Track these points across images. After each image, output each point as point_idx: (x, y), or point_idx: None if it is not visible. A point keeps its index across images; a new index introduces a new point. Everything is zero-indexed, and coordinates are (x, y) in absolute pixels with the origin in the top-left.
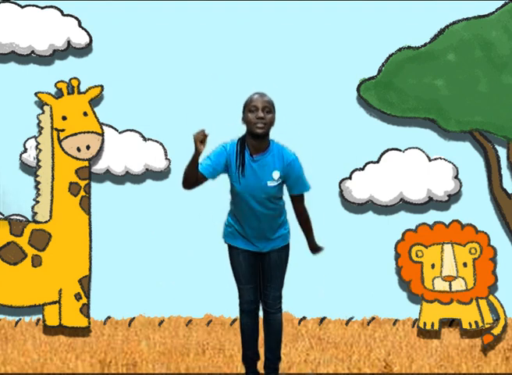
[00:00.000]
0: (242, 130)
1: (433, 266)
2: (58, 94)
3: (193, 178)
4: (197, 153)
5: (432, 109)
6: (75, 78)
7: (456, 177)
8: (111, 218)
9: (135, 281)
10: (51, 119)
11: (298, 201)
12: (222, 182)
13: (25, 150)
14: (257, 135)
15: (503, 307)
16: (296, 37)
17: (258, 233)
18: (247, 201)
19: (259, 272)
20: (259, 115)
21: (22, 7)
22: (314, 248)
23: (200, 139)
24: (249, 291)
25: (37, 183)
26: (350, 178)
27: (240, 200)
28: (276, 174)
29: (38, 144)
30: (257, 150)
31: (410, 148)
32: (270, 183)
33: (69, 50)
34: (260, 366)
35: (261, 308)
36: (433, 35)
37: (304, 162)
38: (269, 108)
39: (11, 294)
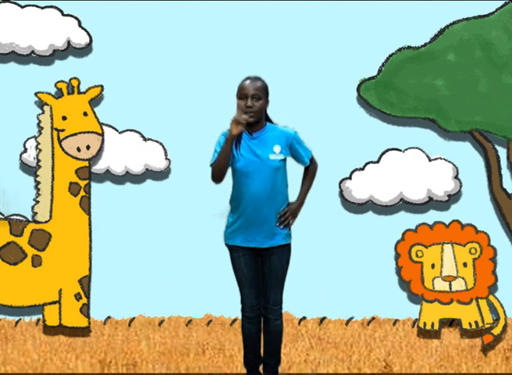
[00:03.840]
0: None
1: (433, 266)
2: (58, 94)
3: (228, 164)
4: (232, 136)
5: (432, 109)
6: (75, 78)
7: (456, 177)
8: (111, 218)
9: (135, 281)
10: (51, 119)
11: (312, 163)
12: (228, 182)
13: (25, 150)
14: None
15: (503, 307)
16: (296, 38)
17: (258, 222)
18: (249, 181)
19: (260, 276)
20: (247, 104)
21: (22, 7)
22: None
23: (239, 123)
24: (252, 296)
25: (37, 183)
26: (350, 178)
27: (242, 182)
28: (277, 148)
29: (38, 144)
30: (253, 129)
31: (410, 148)
32: (272, 157)
33: (69, 50)
34: (260, 367)
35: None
36: (433, 35)
37: None
38: (259, 95)
39: (11, 294)
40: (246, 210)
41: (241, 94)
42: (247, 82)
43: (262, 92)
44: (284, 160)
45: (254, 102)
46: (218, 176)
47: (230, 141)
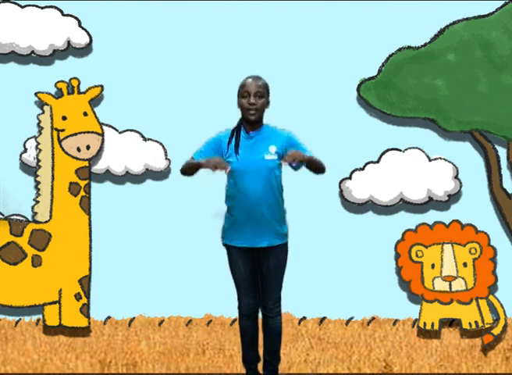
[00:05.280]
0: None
1: (433, 266)
2: (58, 94)
3: (191, 174)
4: (202, 166)
5: (432, 109)
6: (75, 78)
7: (456, 177)
8: (111, 218)
9: (135, 281)
10: (51, 119)
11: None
12: (222, 182)
13: (25, 150)
14: (249, 121)
15: (503, 307)
16: (296, 38)
17: (254, 222)
18: (244, 181)
19: (258, 275)
20: (250, 101)
21: (22, 7)
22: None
23: (217, 167)
24: (248, 294)
25: (37, 183)
26: (350, 178)
27: (238, 182)
28: (273, 148)
29: (38, 144)
30: (252, 128)
31: (410, 148)
32: (267, 157)
33: (69, 50)
34: (260, 366)
35: (260, 312)
36: (433, 35)
37: None
38: (261, 92)
39: (11, 294)
40: (241, 210)
41: (243, 91)
42: (249, 80)
43: (264, 90)
44: (280, 165)
45: (256, 100)
46: (185, 173)
47: (202, 165)
